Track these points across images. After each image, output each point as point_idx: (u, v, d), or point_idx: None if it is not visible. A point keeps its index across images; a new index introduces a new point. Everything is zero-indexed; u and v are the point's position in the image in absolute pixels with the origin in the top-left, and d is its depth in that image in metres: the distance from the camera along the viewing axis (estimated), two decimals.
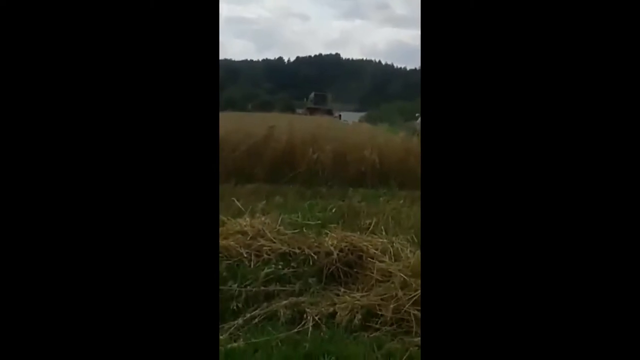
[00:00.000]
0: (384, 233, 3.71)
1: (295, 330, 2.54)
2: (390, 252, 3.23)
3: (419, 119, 14.76)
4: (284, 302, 2.76)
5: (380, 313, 2.67)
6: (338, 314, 2.67)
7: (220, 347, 2.24)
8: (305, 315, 2.66)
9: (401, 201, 5.46)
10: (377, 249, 3.28)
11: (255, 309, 2.72)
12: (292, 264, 3.13)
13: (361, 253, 3.24)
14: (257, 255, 3.19)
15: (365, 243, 3.34)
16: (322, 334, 2.53)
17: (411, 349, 2.37)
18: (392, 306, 2.67)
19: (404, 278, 2.85)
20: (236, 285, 2.87)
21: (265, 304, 2.76)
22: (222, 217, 3.58)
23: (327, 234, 3.52)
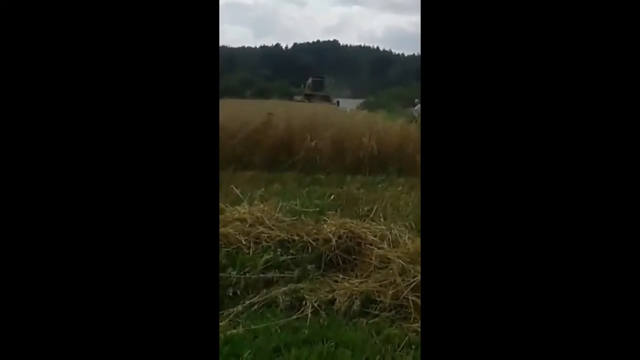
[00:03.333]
0: (382, 220, 3.72)
1: (295, 316, 2.56)
2: (389, 239, 3.25)
3: (417, 105, 14.74)
4: (283, 288, 2.77)
5: (378, 299, 2.68)
6: (337, 300, 2.69)
7: (220, 334, 2.26)
8: (304, 302, 2.67)
9: (399, 188, 5.48)
10: (375, 236, 3.29)
11: (255, 296, 2.73)
12: (291, 251, 3.15)
13: (360, 240, 3.25)
14: (256, 243, 3.20)
15: (363, 230, 3.35)
16: (321, 320, 2.54)
17: (410, 334, 2.39)
18: (390, 292, 2.69)
19: (402, 264, 2.86)
20: (235, 272, 2.89)
21: (264, 291, 2.78)
22: (220, 205, 3.58)
23: (325, 220, 3.53)
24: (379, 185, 5.98)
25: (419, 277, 2.68)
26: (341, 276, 2.97)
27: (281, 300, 2.69)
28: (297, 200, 4.35)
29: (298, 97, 27.13)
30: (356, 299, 2.68)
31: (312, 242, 3.21)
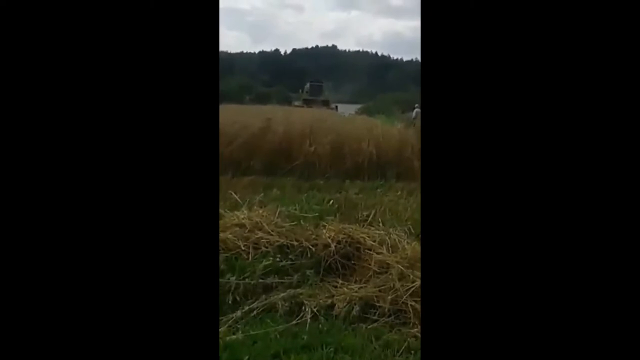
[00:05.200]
0: (381, 225, 3.71)
1: (294, 322, 2.56)
2: (388, 244, 3.24)
3: (416, 110, 14.76)
4: (282, 294, 2.77)
5: (378, 304, 2.68)
6: (336, 305, 2.68)
7: (219, 340, 2.25)
8: (303, 307, 2.67)
9: (398, 193, 5.49)
10: (374, 241, 3.28)
11: (254, 302, 2.73)
12: (290, 256, 3.14)
13: (359, 245, 3.24)
14: (255, 248, 3.19)
15: (362, 235, 3.35)
16: (320, 325, 2.54)
17: (409, 339, 2.39)
18: (389, 297, 2.69)
19: (401, 269, 2.86)
20: (234, 278, 2.88)
21: (263, 297, 2.77)
22: (219, 210, 3.58)
23: (324, 226, 3.52)
24: (378, 190, 5.98)
25: (418, 282, 2.68)
26: (340, 281, 2.96)
27: (280, 305, 2.68)
28: (296, 205, 4.35)
29: (297, 102, 27.10)
30: (355, 304, 2.68)
31: (311, 247, 3.20)
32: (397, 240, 3.31)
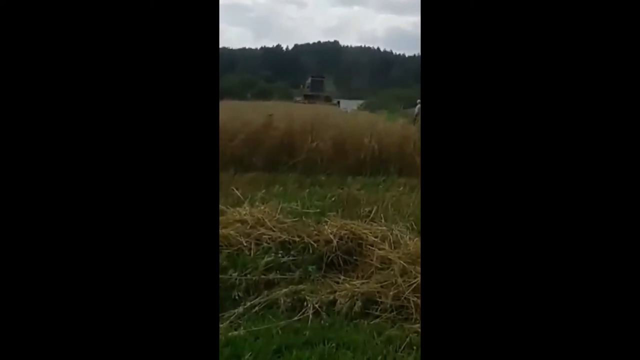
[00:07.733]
0: (383, 221, 3.72)
1: (296, 318, 2.56)
2: (390, 240, 3.24)
3: (417, 106, 14.75)
4: (284, 290, 2.77)
5: (380, 300, 2.69)
6: (338, 301, 2.69)
7: (220, 336, 2.26)
8: (305, 303, 2.67)
9: (400, 188, 5.47)
10: (376, 237, 3.29)
11: (256, 298, 2.73)
12: (292, 252, 3.14)
13: (361, 241, 3.25)
14: (257, 244, 3.20)
15: (364, 231, 3.35)
16: (322, 321, 2.54)
17: (411, 335, 2.39)
18: (391, 293, 2.69)
19: (403, 265, 2.86)
20: (236, 274, 2.89)
21: (265, 293, 2.78)
22: (221, 207, 3.58)
23: (326, 222, 3.53)
24: (380, 186, 5.97)
25: (420, 278, 2.68)
26: (342, 277, 2.97)
27: (282, 301, 2.69)
28: (298, 201, 4.35)
29: (298, 98, 27.05)
30: (357, 300, 2.68)
31: (313, 243, 3.20)
32: (399, 236, 3.31)
